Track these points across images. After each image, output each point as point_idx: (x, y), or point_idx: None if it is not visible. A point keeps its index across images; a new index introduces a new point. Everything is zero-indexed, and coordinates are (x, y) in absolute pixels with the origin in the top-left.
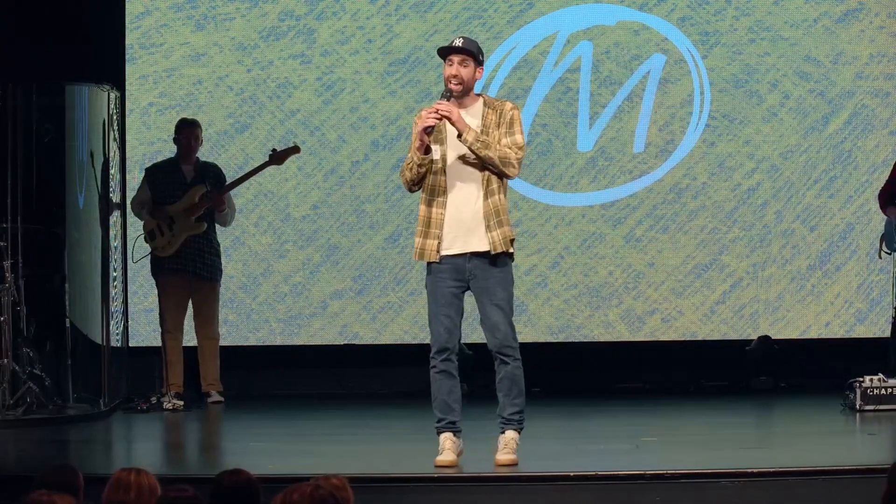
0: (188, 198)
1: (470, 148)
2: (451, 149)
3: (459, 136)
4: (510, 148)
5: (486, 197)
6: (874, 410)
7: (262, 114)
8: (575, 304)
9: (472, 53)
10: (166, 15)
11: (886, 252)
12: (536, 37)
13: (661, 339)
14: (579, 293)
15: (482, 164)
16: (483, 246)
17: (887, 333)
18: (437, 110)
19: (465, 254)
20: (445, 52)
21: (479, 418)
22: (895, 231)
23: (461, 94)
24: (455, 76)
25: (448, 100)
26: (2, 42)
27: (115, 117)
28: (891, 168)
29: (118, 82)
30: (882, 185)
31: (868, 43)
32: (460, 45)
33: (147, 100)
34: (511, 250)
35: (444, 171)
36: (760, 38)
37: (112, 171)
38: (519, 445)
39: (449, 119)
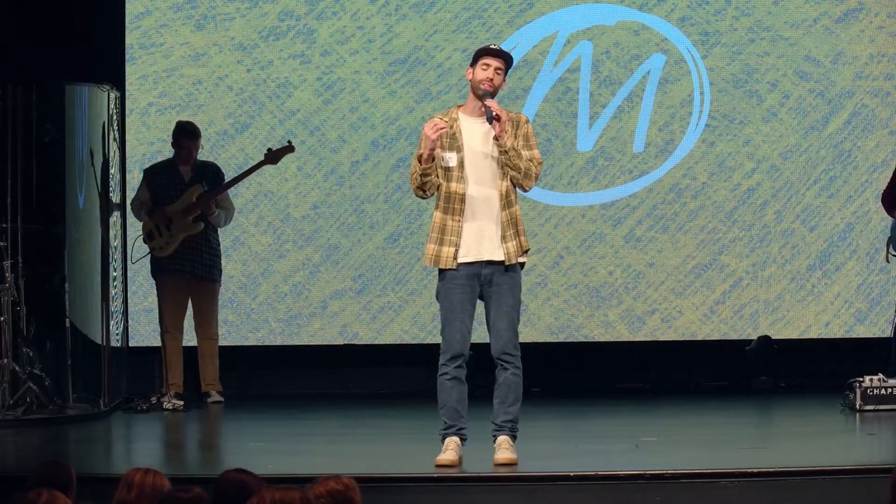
0: (186, 198)
1: (506, 152)
2: (470, 157)
3: (496, 138)
4: (531, 161)
5: (504, 207)
6: (874, 410)
7: (262, 114)
8: (575, 304)
9: (508, 63)
10: (166, 15)
11: (894, 255)
12: (536, 37)
13: (661, 339)
14: (579, 293)
15: (503, 173)
16: (498, 255)
17: (887, 333)
18: (491, 107)
19: (481, 261)
20: (483, 54)
21: (479, 418)
22: None
23: (484, 94)
24: (490, 80)
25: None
26: (2, 42)
27: (115, 117)
28: (892, 169)
29: (118, 82)
30: (885, 186)
31: (868, 43)
32: (499, 49)
33: (147, 100)
34: (524, 260)
35: (463, 179)
36: (760, 38)
37: (112, 171)
38: (514, 447)
39: (499, 118)
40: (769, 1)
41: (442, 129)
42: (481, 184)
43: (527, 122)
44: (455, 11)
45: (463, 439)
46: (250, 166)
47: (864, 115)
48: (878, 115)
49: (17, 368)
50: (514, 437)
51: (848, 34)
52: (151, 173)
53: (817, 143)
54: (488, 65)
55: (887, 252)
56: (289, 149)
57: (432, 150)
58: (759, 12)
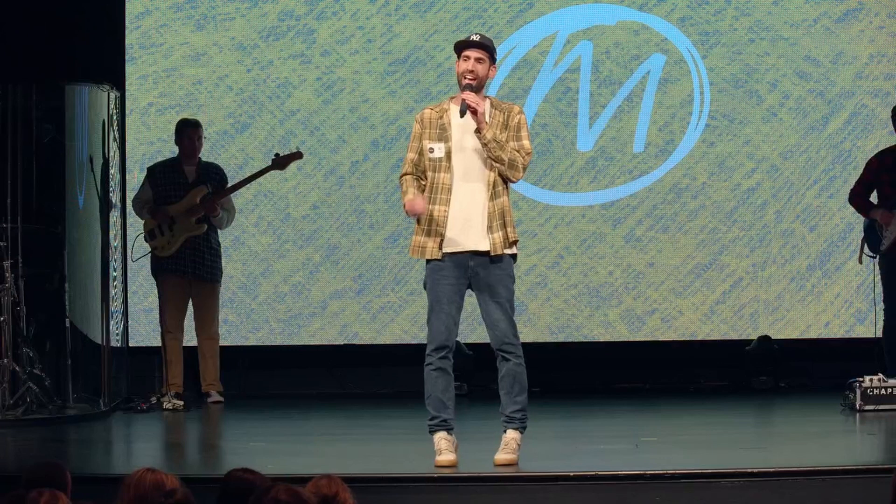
0: (189, 198)
1: (486, 145)
2: (457, 147)
3: (477, 130)
4: (518, 152)
5: (491, 198)
6: (874, 410)
7: (262, 114)
8: (575, 304)
9: (489, 50)
10: (166, 15)
11: (870, 255)
12: (536, 37)
13: (661, 339)
14: (579, 293)
15: (490, 164)
16: (484, 246)
17: None
18: (467, 99)
19: (467, 252)
20: (461, 47)
21: (479, 418)
22: (880, 232)
23: (474, 91)
24: (470, 71)
25: (473, 91)
26: (2, 42)
27: (115, 117)
28: (866, 171)
29: (118, 82)
30: (853, 186)
31: (868, 43)
32: (477, 40)
33: (147, 100)
34: (513, 251)
35: (450, 169)
36: (760, 38)
37: (112, 171)
38: (520, 445)
39: (476, 111)
40: (769, 1)
41: (418, 211)
42: (468, 175)
43: (519, 112)
44: (455, 11)
45: (450, 430)
46: (257, 170)
47: (864, 115)
48: (878, 115)
49: (17, 368)
50: (523, 429)
51: (848, 34)
52: (154, 172)
53: (817, 143)
54: (468, 56)
55: (861, 252)
56: (297, 155)
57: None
58: (759, 12)
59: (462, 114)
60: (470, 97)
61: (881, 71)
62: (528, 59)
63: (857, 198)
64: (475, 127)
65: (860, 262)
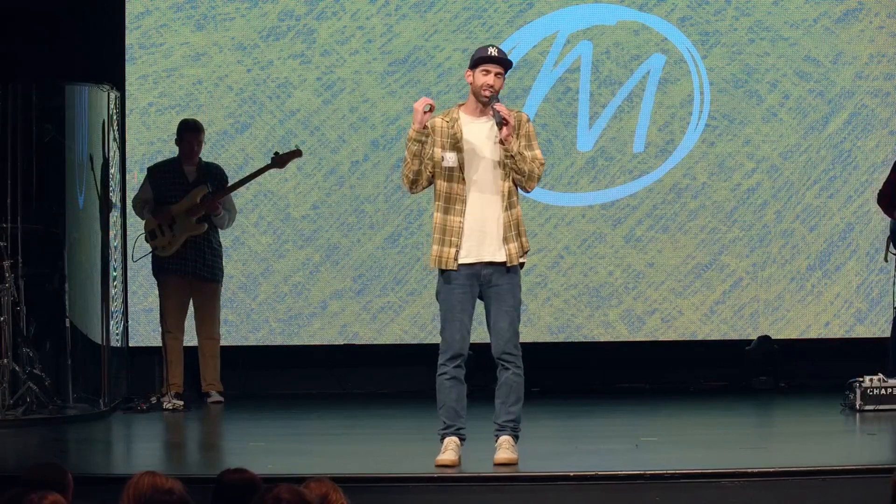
0: (190, 198)
1: (513, 157)
2: (470, 158)
3: (501, 141)
4: (534, 162)
5: (506, 208)
6: (874, 410)
7: (262, 114)
8: (575, 304)
9: (508, 66)
10: (166, 15)
11: (894, 253)
12: (536, 37)
13: (661, 338)
14: (579, 293)
15: (504, 173)
16: (500, 257)
17: (887, 333)
18: (500, 111)
19: (482, 262)
20: (483, 60)
21: (478, 418)
22: None
23: (488, 101)
24: (491, 87)
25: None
26: (2, 42)
27: (115, 117)
28: (890, 169)
29: (118, 82)
30: (881, 187)
31: (868, 43)
32: (499, 55)
33: (147, 100)
34: (524, 260)
35: (463, 180)
36: (760, 38)
37: (112, 171)
38: (515, 447)
39: (507, 121)
40: (769, 1)
41: (429, 105)
42: (482, 184)
43: (528, 120)
44: (455, 11)
45: (462, 439)
46: (256, 169)
47: (864, 115)
48: (878, 115)
49: (17, 368)
50: (516, 438)
51: (848, 34)
52: (155, 172)
53: (817, 143)
54: (488, 70)
55: (887, 250)
56: (296, 153)
57: (420, 122)
58: (759, 12)
59: (499, 126)
60: (503, 109)
61: (881, 71)
62: (528, 59)
63: (886, 198)
64: (493, 135)
65: (885, 259)
